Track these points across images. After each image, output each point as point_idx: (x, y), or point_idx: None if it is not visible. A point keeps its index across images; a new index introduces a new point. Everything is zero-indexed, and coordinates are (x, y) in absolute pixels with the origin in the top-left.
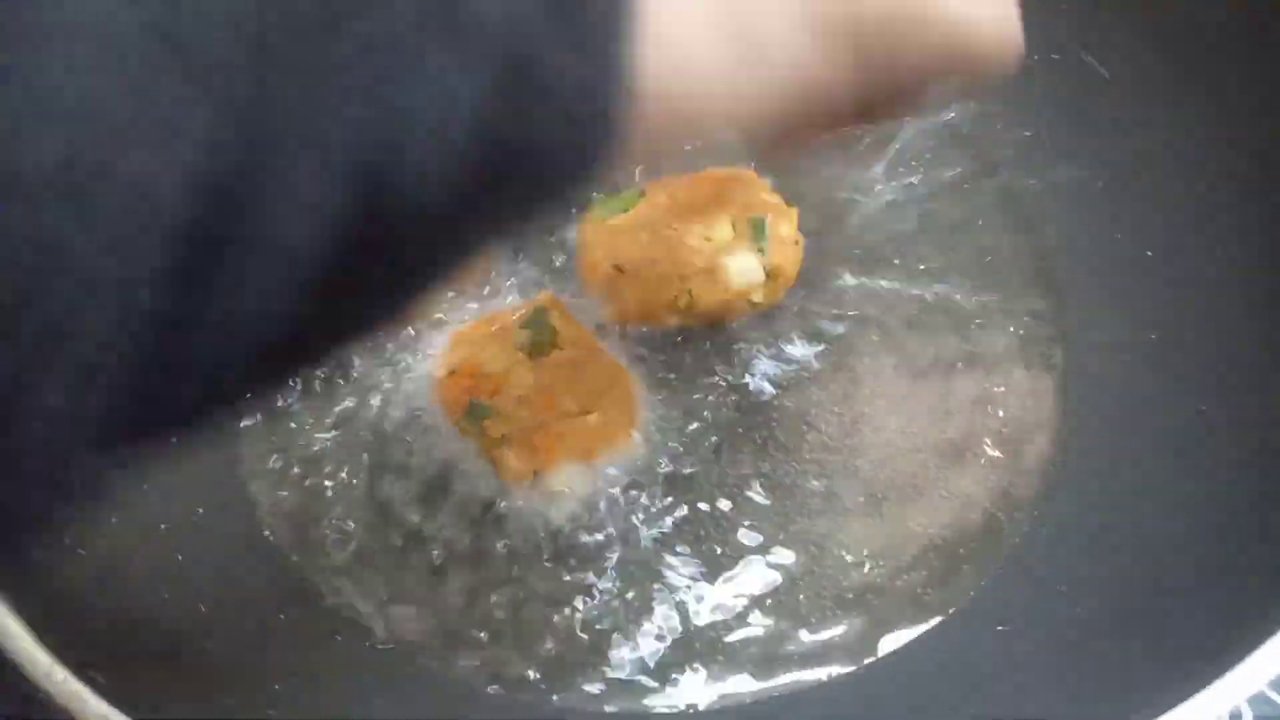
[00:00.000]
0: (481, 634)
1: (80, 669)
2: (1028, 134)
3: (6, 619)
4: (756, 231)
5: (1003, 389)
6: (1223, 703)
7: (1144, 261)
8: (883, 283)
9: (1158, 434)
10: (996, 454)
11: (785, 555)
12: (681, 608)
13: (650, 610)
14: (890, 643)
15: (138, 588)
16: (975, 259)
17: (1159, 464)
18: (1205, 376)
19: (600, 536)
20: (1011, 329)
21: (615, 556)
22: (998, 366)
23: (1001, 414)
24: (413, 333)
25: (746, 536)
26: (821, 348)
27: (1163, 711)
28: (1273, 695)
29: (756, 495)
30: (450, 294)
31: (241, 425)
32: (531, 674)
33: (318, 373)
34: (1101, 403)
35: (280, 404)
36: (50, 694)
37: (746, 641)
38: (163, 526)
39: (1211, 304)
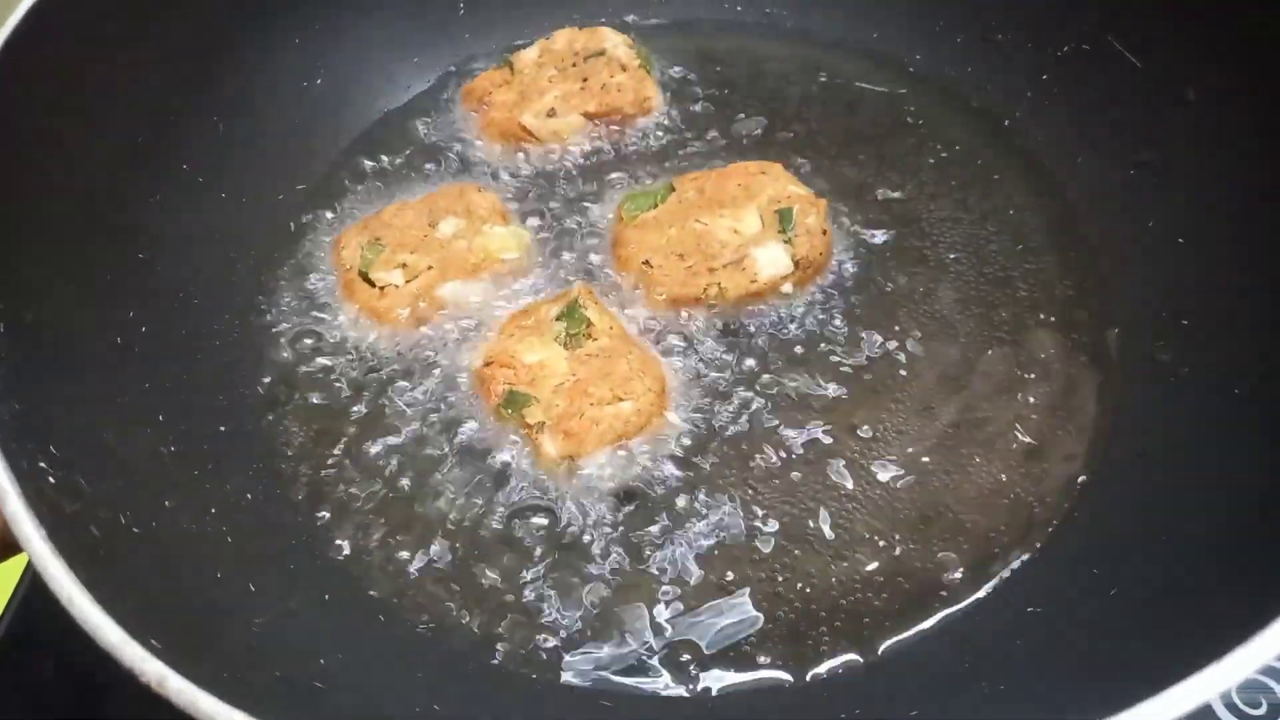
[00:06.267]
0: (517, 618)
1: (140, 635)
2: (1059, 124)
3: (76, 591)
4: (784, 223)
5: (1034, 376)
6: (1233, 676)
7: (1176, 249)
8: (915, 271)
9: (1194, 420)
10: (1029, 440)
11: (814, 538)
12: (708, 594)
13: (679, 594)
14: (920, 623)
15: (191, 566)
16: (1009, 246)
17: (1195, 450)
18: (1239, 362)
19: (632, 520)
20: (1044, 317)
21: (647, 541)
22: (1031, 355)
23: (1033, 400)
24: (454, 325)
25: (774, 520)
26: (852, 336)
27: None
28: None
29: (785, 479)
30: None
31: (281, 412)
32: (560, 657)
33: (358, 364)
34: (1137, 391)
35: (322, 395)
36: (117, 656)
37: (773, 624)
38: (213, 510)
39: (1243, 289)
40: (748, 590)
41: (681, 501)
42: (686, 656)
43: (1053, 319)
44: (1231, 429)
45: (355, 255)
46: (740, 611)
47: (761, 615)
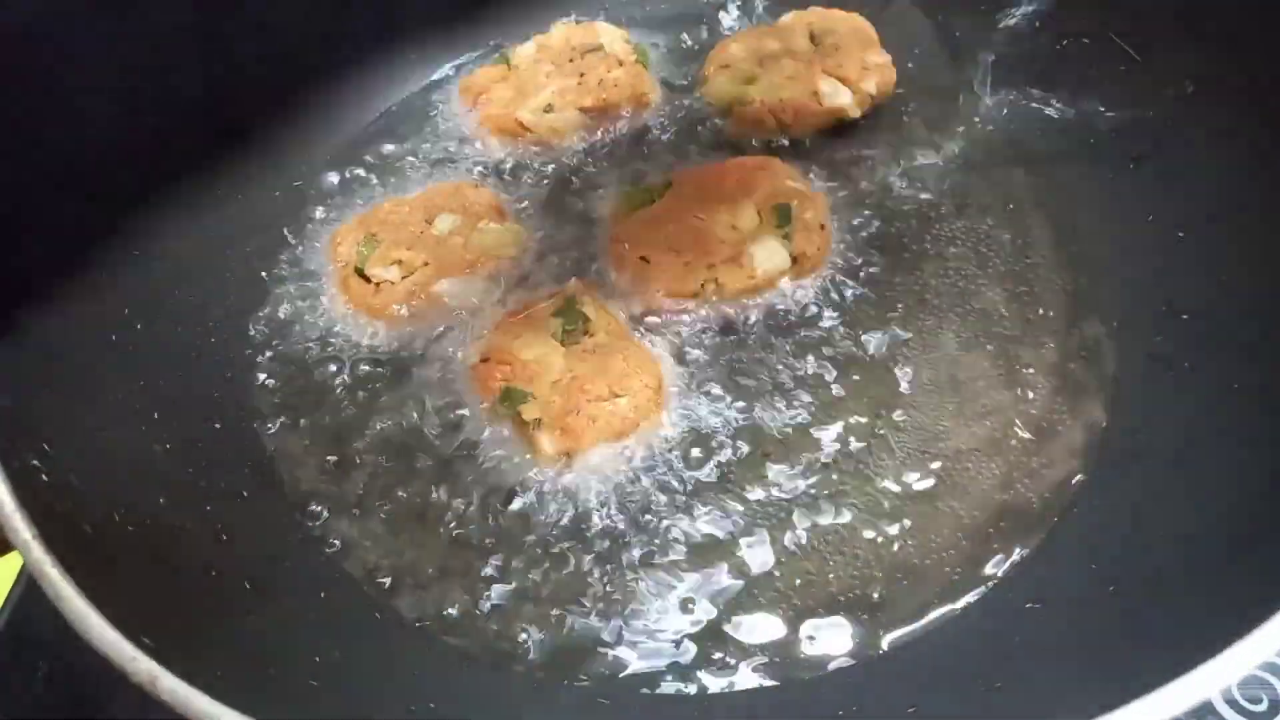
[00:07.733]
0: (512, 614)
1: (133, 634)
2: (1058, 117)
3: (67, 588)
4: (782, 218)
5: (1033, 371)
6: (1233, 672)
7: (1176, 243)
8: (914, 267)
9: (1193, 414)
10: (1028, 435)
11: (812, 534)
12: (707, 592)
13: (676, 593)
14: (919, 619)
15: (185, 564)
16: (1008, 241)
17: (1194, 445)
18: (1237, 356)
19: (628, 517)
20: (1043, 311)
21: (643, 538)
22: (1030, 350)
23: (1032, 396)
24: (450, 322)
25: (772, 517)
26: (851, 332)
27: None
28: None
29: (785, 477)
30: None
31: (276, 409)
32: (555, 655)
33: (353, 361)
34: (1136, 385)
35: (317, 392)
36: (107, 655)
37: (771, 621)
38: (207, 508)
39: (1243, 284)
40: (745, 587)
41: (678, 498)
42: (684, 654)
43: (1052, 313)
44: (1230, 423)
45: (351, 252)
46: (738, 608)
47: (759, 612)
